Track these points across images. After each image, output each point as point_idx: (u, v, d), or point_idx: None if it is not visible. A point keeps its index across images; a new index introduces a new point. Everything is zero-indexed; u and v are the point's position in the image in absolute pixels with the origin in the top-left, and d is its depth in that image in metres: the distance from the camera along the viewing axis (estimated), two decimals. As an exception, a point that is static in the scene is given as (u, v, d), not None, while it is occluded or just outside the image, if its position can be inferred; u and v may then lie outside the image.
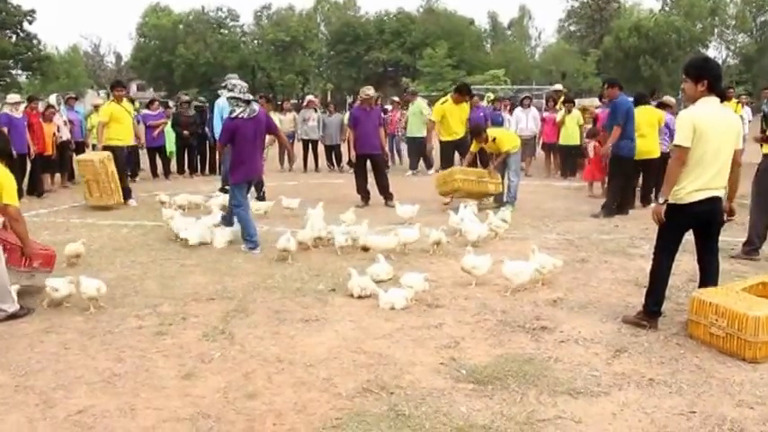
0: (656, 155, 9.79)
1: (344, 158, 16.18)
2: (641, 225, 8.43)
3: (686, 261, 5.90)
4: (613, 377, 4.08)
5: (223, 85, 10.54)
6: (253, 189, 9.78)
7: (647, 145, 9.66)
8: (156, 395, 3.89)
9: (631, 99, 9.78)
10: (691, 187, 4.62)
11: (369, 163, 10.54)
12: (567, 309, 5.40)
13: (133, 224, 8.24)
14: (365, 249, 7.15)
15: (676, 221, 4.78)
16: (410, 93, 16.83)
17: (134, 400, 3.83)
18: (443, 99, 11.78)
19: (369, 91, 10.53)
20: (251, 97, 7.54)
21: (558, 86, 17.95)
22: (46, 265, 6.00)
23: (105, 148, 10.54)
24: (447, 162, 11.26)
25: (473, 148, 10.43)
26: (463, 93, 11.31)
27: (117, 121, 10.68)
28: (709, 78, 4.68)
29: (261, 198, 10.23)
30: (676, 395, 3.84)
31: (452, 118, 11.24)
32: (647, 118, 9.71)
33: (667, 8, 59.65)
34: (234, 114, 7.35)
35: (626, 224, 8.87)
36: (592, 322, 5.07)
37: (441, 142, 11.55)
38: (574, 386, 3.94)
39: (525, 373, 4.11)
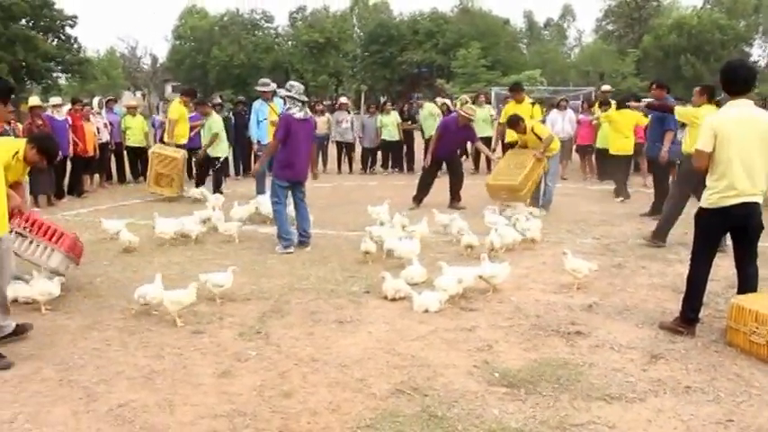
0: (631, 152, 11.40)
1: (379, 161, 16.21)
2: (680, 230, 8.31)
3: (726, 267, 5.81)
4: (649, 383, 4.05)
5: (260, 87, 10.75)
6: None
7: (629, 144, 11.24)
8: (194, 392, 3.98)
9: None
10: (725, 192, 4.58)
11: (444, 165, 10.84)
12: (602, 314, 5.37)
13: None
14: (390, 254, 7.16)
15: (711, 226, 4.73)
16: (421, 98, 16.84)
17: (172, 396, 3.92)
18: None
19: (468, 111, 10.65)
20: (305, 99, 7.74)
21: (607, 87, 17.50)
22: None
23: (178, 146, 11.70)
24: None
25: (509, 138, 10.48)
26: (517, 90, 11.07)
27: (183, 121, 11.64)
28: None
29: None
30: (714, 403, 3.79)
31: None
32: (627, 120, 11.16)
33: (709, 5, 58.37)
34: (291, 112, 7.51)
35: (663, 228, 8.74)
36: (628, 328, 5.03)
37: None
38: (608, 392, 3.92)
39: (559, 378, 4.10)
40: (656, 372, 4.23)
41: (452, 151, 10.77)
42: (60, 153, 11.00)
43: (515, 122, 10.00)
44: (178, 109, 11.98)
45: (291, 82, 7.85)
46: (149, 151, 12.23)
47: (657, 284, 6.19)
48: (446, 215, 8.28)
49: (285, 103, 7.83)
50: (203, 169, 11.77)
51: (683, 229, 8.01)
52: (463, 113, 10.50)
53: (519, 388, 3.98)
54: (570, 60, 64.97)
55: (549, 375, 4.14)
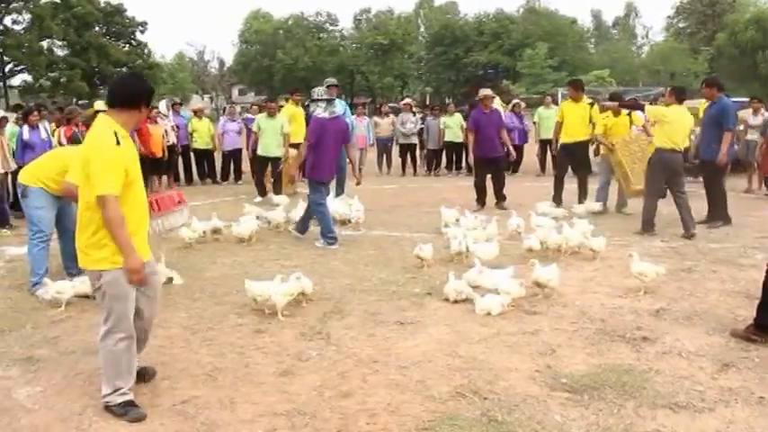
0: None
1: (443, 163, 16.12)
2: (755, 233, 7.98)
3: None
4: (719, 393, 3.88)
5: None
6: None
7: None
8: (255, 390, 4.03)
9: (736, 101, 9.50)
10: None
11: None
12: (670, 319, 5.19)
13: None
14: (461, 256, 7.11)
15: None
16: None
17: (234, 393, 3.99)
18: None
19: (485, 91, 10.70)
20: (327, 97, 7.99)
21: None
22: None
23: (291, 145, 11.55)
24: (561, 168, 10.70)
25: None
26: (575, 86, 10.56)
27: (296, 122, 11.81)
28: None
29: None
30: (789, 415, 3.61)
31: (572, 117, 10.32)
32: None
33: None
34: (317, 113, 7.79)
35: (738, 232, 8.40)
36: (697, 334, 4.85)
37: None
38: (675, 400, 3.78)
39: (624, 384, 3.98)
40: (727, 381, 4.06)
41: (495, 149, 10.39)
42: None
43: (619, 97, 10.42)
44: (290, 109, 12.15)
45: (313, 89, 8.21)
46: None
47: (729, 290, 5.95)
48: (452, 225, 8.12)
49: (311, 107, 8.07)
50: (274, 173, 11.70)
51: (757, 233, 7.71)
52: (482, 95, 10.62)
53: (582, 394, 3.89)
54: (639, 59, 63.28)
55: (614, 382, 4.03)
